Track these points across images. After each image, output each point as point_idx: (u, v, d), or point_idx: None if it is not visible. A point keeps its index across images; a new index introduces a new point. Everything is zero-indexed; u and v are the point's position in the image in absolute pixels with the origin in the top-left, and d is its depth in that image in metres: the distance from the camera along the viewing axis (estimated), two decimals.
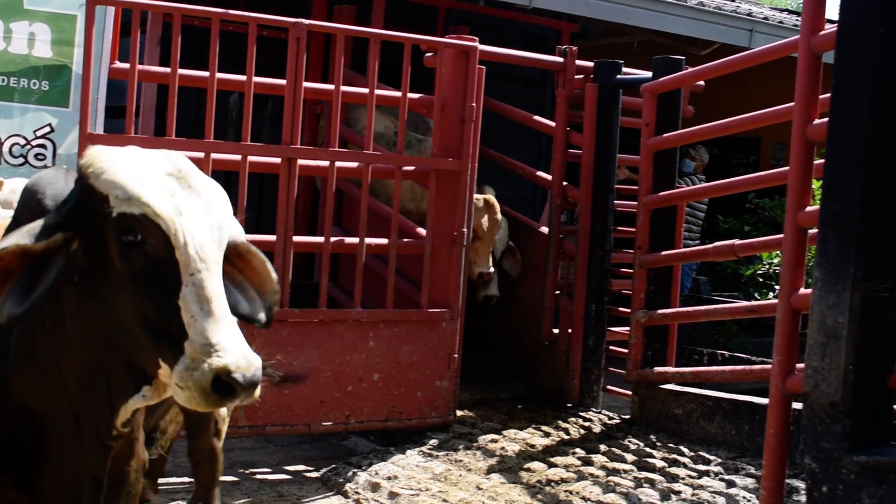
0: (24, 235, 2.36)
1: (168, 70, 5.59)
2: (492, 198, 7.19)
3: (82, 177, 2.41)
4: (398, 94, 6.16)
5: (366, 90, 6.03)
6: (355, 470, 5.57)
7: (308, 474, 5.83)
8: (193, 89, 6.83)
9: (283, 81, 5.77)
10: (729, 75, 6.82)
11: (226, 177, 5.97)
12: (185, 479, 4.87)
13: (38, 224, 2.39)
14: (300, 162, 5.79)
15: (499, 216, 7.18)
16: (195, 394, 2.25)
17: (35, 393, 2.58)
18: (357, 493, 5.29)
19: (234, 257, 2.59)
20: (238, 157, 5.60)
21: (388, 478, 5.42)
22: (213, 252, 2.38)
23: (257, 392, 2.31)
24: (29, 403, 2.60)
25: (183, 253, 2.32)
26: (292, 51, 5.67)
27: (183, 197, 2.39)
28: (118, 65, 5.77)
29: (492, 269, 7.17)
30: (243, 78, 5.69)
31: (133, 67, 5.52)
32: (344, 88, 6.04)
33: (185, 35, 5.78)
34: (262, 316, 2.69)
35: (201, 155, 5.40)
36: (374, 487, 5.31)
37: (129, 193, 2.33)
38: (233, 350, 2.26)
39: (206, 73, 5.64)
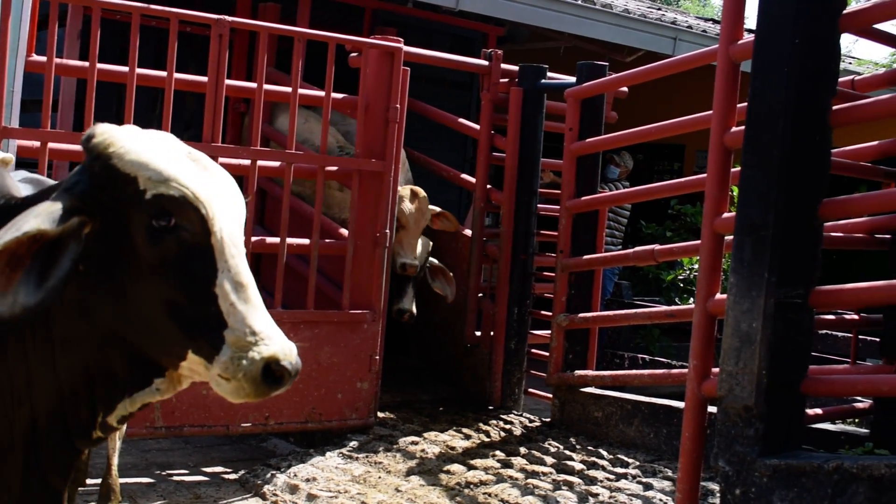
0: (44, 219, 2.14)
1: (86, 64, 5.49)
2: (419, 188, 7.05)
3: (100, 156, 2.23)
4: (322, 93, 6.12)
5: (289, 89, 5.98)
6: (274, 472, 5.52)
7: (226, 476, 5.76)
8: (114, 85, 6.72)
9: (204, 78, 5.70)
10: (653, 82, 6.90)
11: None
12: (99, 480, 4.78)
13: (53, 207, 2.17)
14: (221, 160, 5.71)
15: (426, 206, 7.01)
16: (245, 384, 2.18)
17: None
18: (275, 494, 5.24)
19: None
20: None
21: (307, 480, 5.38)
22: (242, 237, 2.30)
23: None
24: None
25: (219, 238, 2.22)
26: (214, 48, 5.60)
27: (209, 180, 2.30)
28: (35, 58, 5.65)
29: (416, 263, 6.94)
30: (164, 74, 5.61)
31: (50, 61, 5.40)
32: (267, 87, 5.99)
33: (107, 30, 5.69)
34: None
35: None
36: (293, 489, 5.26)
37: (164, 175, 2.21)
38: (277, 338, 2.21)
39: (125, 69, 5.55)
